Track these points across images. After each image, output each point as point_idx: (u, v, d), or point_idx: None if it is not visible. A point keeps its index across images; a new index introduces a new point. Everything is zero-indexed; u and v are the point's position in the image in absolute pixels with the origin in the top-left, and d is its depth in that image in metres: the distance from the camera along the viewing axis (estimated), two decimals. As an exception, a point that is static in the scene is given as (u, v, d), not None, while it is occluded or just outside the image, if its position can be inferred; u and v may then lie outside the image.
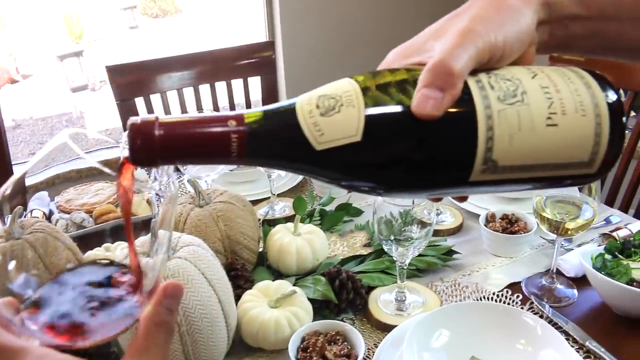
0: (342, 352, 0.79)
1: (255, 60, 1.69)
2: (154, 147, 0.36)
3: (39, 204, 1.37)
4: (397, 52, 0.45)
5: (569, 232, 0.94)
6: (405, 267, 0.92)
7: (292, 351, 0.79)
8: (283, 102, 0.39)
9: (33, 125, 5.05)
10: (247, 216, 1.01)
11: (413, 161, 0.38)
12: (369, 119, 0.37)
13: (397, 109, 0.38)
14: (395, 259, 0.90)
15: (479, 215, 1.19)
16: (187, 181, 1.04)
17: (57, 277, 0.42)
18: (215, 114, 0.38)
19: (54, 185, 2.09)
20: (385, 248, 0.90)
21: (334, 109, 0.37)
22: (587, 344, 0.84)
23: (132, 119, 0.36)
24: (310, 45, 2.41)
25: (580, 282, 1.00)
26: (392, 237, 0.88)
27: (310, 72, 2.43)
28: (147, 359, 0.37)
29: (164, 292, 0.39)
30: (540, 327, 0.78)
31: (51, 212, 1.36)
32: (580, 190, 0.96)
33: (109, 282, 0.40)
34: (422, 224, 0.89)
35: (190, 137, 0.36)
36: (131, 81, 1.55)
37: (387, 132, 0.38)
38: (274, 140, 0.38)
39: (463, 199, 0.57)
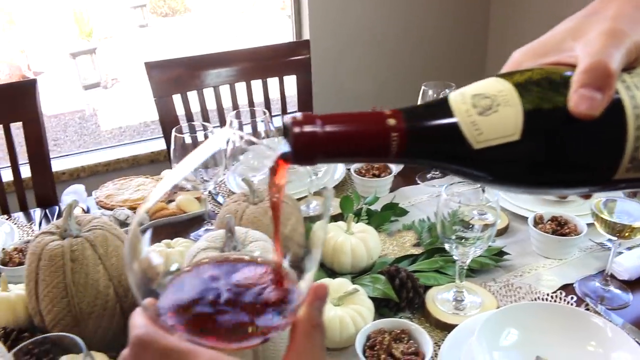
0: (409, 350, 0.79)
1: (291, 59, 1.69)
2: (317, 145, 0.36)
3: (74, 197, 1.36)
4: (527, 52, 0.45)
5: (628, 235, 0.94)
6: (465, 267, 0.92)
7: (359, 349, 0.79)
8: (430, 101, 0.40)
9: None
10: (298, 213, 1.01)
11: (566, 160, 0.39)
12: (527, 119, 0.38)
13: (554, 109, 0.38)
14: (456, 258, 0.90)
15: (522, 217, 1.20)
16: (242, 180, 1.04)
17: (194, 272, 0.41)
18: (372, 112, 0.38)
19: (79, 178, 2.10)
20: (447, 247, 0.90)
21: (491, 109, 0.38)
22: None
23: (291, 117, 0.36)
24: (337, 45, 2.42)
25: (635, 285, 1.00)
26: (453, 237, 0.88)
27: (336, 71, 2.44)
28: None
29: (315, 294, 0.39)
30: (610, 329, 0.78)
31: (89, 208, 1.35)
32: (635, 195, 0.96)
33: (257, 282, 0.40)
34: (484, 225, 0.89)
35: (352, 135, 0.37)
36: (169, 78, 1.56)
37: (544, 131, 0.39)
38: (432, 139, 0.38)
39: (588, 197, 0.57)
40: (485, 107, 0.38)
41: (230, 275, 0.40)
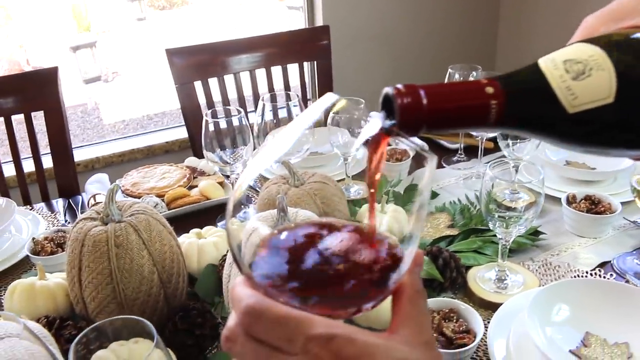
0: (460, 328, 0.78)
1: (311, 45, 1.68)
2: (422, 114, 0.37)
3: (100, 187, 1.35)
4: (602, 17, 0.45)
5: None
6: (508, 246, 0.91)
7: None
8: (520, 69, 0.41)
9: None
10: (340, 194, 1.00)
11: None
12: (620, 81, 0.39)
13: None
14: (499, 236, 0.89)
15: (552, 197, 1.19)
16: (282, 163, 1.03)
17: (291, 237, 0.40)
18: (471, 81, 0.40)
19: (94, 169, 2.09)
20: (490, 225, 0.89)
21: (584, 73, 0.39)
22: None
23: (393, 88, 0.37)
24: (352, 31, 2.40)
25: (674, 260, 1.00)
26: (496, 215, 0.87)
27: (353, 57, 2.43)
28: (417, 325, 0.36)
29: (415, 261, 0.38)
30: (664, 302, 0.77)
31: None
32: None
33: (362, 249, 0.39)
34: (528, 204, 0.88)
35: (454, 104, 0.38)
36: (190, 64, 1.54)
37: (638, 93, 0.40)
38: (528, 105, 0.39)
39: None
40: (579, 71, 0.39)
41: (333, 241, 0.39)
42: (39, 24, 7.28)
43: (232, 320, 0.36)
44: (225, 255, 0.92)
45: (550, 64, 0.40)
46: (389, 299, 0.38)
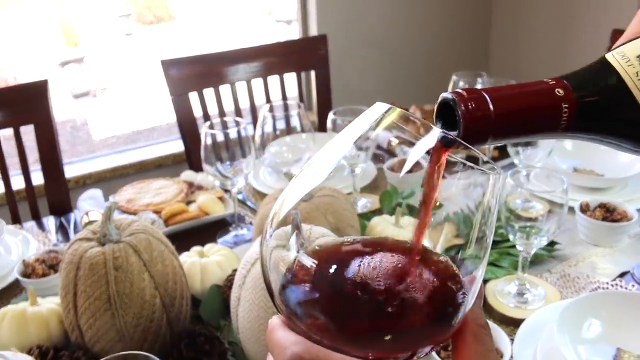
0: (485, 349, 0.73)
1: (308, 55, 1.64)
2: (489, 122, 0.33)
3: (93, 204, 1.29)
4: None
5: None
6: (529, 258, 0.86)
7: (434, 353, 0.73)
8: (587, 66, 0.36)
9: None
10: (351, 208, 0.95)
11: None
12: None
13: None
14: (519, 248, 0.85)
15: (560, 205, 1.15)
16: (284, 174, 0.98)
17: (326, 268, 0.34)
18: (539, 82, 0.34)
19: (86, 185, 2.03)
20: (511, 237, 0.85)
21: None
22: None
23: (454, 93, 0.32)
24: (348, 40, 2.38)
25: (697, 269, 0.96)
26: (517, 226, 0.83)
27: (350, 66, 2.40)
28: None
29: (479, 292, 0.33)
30: (698, 315, 0.73)
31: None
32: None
33: (415, 278, 0.33)
34: (548, 213, 0.84)
35: (523, 109, 0.33)
36: (185, 75, 1.49)
37: None
38: (602, 106, 0.35)
39: None
40: None
41: (380, 269, 0.33)
42: (26, 40, 7.22)
43: None
44: (231, 275, 0.87)
45: (623, 61, 0.35)
46: None
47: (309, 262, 0.34)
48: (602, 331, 0.75)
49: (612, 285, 0.94)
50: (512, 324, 0.84)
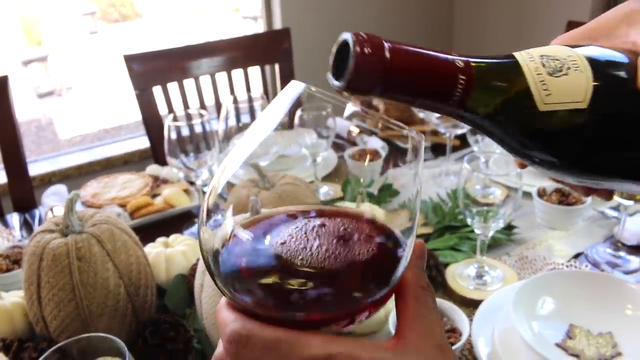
0: (445, 327, 0.76)
1: (272, 48, 1.65)
2: (380, 70, 0.32)
3: (58, 199, 1.28)
4: (575, 36, 0.45)
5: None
6: (487, 241, 0.89)
7: (393, 329, 0.76)
8: (495, 55, 0.37)
9: None
10: (312, 196, 0.97)
11: (631, 138, 0.38)
12: (596, 88, 0.37)
13: (621, 84, 0.38)
14: (477, 231, 0.88)
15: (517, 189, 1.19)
16: (250, 165, 0.99)
17: (263, 237, 0.33)
18: (443, 51, 0.35)
19: (51, 182, 2.00)
20: (469, 221, 0.88)
21: (561, 71, 0.36)
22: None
23: (353, 34, 0.32)
24: (311, 35, 2.39)
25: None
26: (474, 210, 0.86)
27: (314, 60, 2.42)
28: (427, 327, 0.32)
29: (418, 252, 0.35)
30: (645, 290, 0.77)
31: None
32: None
33: (349, 240, 0.32)
34: (505, 198, 0.87)
35: (419, 67, 0.33)
36: (149, 70, 1.49)
37: (611, 105, 0.38)
38: (497, 92, 0.36)
39: (610, 195, 0.54)
40: (556, 68, 0.36)
41: (308, 235, 0.32)
42: (-14, 39, 7.03)
43: (219, 348, 0.32)
44: (195, 264, 0.87)
45: (526, 55, 0.37)
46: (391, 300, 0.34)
47: (244, 235, 0.33)
48: (555, 308, 0.78)
49: (567, 266, 0.98)
50: (471, 305, 0.87)
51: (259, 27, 2.43)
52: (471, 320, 0.81)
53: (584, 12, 2.33)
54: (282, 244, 0.32)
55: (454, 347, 0.72)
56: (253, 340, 0.30)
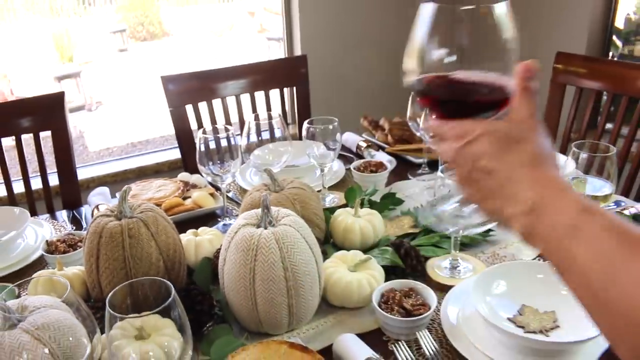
0: (417, 302, 0.94)
1: (290, 73, 1.86)
2: None
3: (102, 199, 1.49)
4: None
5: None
6: (459, 239, 1.08)
7: (375, 303, 0.94)
8: None
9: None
10: (316, 199, 1.16)
11: None
12: None
13: None
14: (450, 230, 1.06)
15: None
16: (263, 170, 1.18)
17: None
18: None
19: (89, 188, 2.22)
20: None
21: None
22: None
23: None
24: (327, 60, 2.61)
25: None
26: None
27: (327, 85, 2.63)
28: (528, 108, 0.60)
29: (523, 68, 0.60)
30: (581, 276, 0.94)
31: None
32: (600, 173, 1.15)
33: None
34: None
35: None
36: (182, 89, 1.71)
37: None
38: None
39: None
40: None
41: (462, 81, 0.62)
42: (22, 55, 7.40)
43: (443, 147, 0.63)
44: (219, 249, 1.07)
45: None
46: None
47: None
48: (508, 289, 0.96)
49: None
50: (445, 290, 1.05)
51: (282, 49, 2.67)
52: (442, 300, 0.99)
53: (578, 45, 2.50)
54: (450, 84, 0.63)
55: (423, 316, 0.91)
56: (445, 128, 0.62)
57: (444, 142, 0.62)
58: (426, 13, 0.60)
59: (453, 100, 0.64)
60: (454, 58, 0.61)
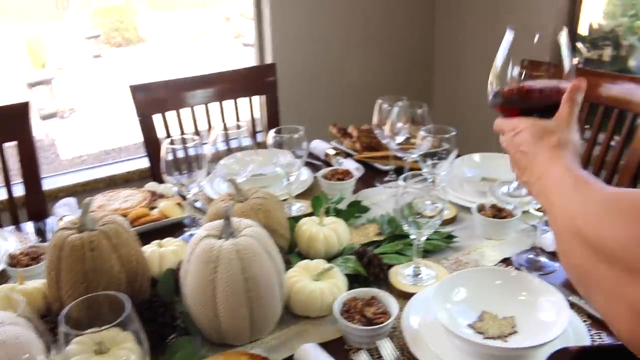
0: (379, 311, 0.95)
1: (259, 81, 1.87)
2: None
3: (68, 210, 1.48)
4: None
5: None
6: (421, 246, 1.09)
7: (337, 312, 0.95)
8: None
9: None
10: (280, 209, 1.17)
11: None
12: None
13: None
14: (413, 237, 1.08)
15: (467, 209, 1.39)
16: (227, 180, 1.19)
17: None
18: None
19: (58, 198, 2.19)
20: (405, 228, 1.07)
21: None
22: (570, 298, 1.03)
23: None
24: (298, 67, 2.62)
25: (560, 255, 1.20)
26: (410, 219, 1.06)
27: (297, 92, 2.64)
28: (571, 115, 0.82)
29: (574, 84, 0.82)
30: (537, 281, 0.97)
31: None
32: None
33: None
34: (436, 209, 1.06)
35: None
36: (150, 99, 1.70)
37: None
38: None
39: None
40: None
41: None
42: (-7, 61, 7.26)
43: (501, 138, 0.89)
44: (181, 261, 1.07)
45: None
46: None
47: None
48: (468, 296, 0.98)
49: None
50: (408, 297, 1.06)
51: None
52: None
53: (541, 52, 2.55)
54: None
55: (383, 324, 0.92)
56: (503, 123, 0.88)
57: (502, 135, 0.88)
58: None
59: (515, 104, 0.90)
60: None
